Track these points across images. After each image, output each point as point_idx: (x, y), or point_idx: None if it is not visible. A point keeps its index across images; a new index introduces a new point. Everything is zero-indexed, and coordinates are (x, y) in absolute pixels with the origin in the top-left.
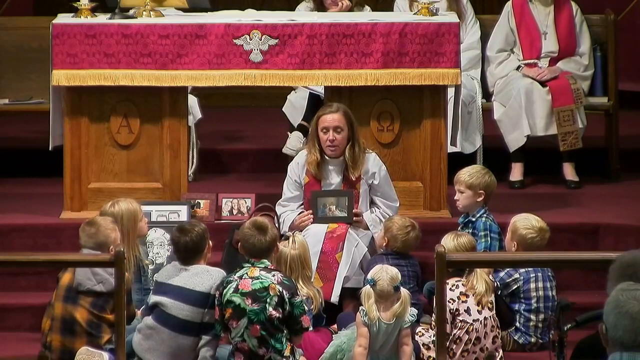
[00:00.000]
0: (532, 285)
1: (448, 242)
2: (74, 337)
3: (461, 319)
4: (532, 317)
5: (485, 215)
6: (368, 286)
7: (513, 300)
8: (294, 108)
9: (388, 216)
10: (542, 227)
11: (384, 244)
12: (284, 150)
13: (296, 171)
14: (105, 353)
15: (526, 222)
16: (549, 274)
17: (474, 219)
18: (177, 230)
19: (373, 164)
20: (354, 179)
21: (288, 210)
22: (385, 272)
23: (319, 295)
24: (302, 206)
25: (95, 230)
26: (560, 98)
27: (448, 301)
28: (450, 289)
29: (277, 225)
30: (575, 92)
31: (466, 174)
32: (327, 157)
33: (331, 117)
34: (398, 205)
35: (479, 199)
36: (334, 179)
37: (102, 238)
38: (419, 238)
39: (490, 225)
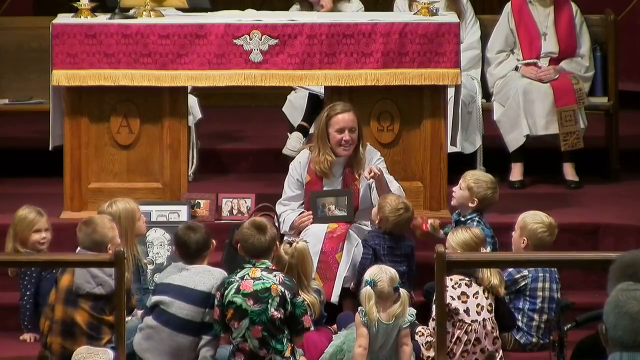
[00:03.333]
0: (540, 285)
1: (461, 234)
2: (74, 340)
3: (460, 318)
4: (536, 317)
5: (477, 219)
6: (368, 287)
7: (518, 297)
8: (294, 108)
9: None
10: (552, 222)
11: (376, 221)
12: (284, 151)
13: (298, 170)
14: (111, 351)
15: (536, 217)
16: (556, 276)
17: (463, 219)
18: (186, 228)
19: (368, 154)
20: (357, 175)
21: (289, 209)
22: (385, 273)
23: (317, 302)
24: (303, 205)
25: (92, 229)
26: (562, 98)
27: (447, 300)
28: (453, 287)
29: (276, 225)
30: (578, 92)
31: (473, 177)
32: (334, 158)
33: (344, 117)
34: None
35: (471, 204)
36: (336, 176)
37: (98, 237)
38: (411, 219)
39: (482, 229)
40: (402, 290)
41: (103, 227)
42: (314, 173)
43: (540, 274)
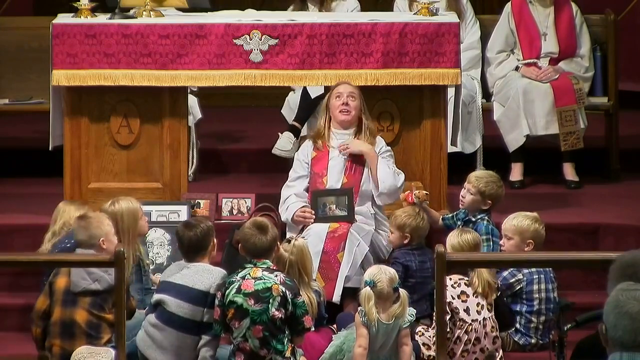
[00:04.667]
0: (535, 287)
1: (453, 237)
2: (73, 340)
3: (460, 317)
4: (533, 318)
5: (486, 218)
6: (368, 288)
7: (515, 301)
8: (291, 109)
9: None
10: (536, 216)
11: (405, 241)
12: (274, 150)
13: (304, 152)
14: (112, 350)
15: (528, 218)
16: (551, 275)
17: (473, 219)
18: (183, 225)
19: (379, 144)
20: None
21: (294, 194)
22: (384, 273)
23: (317, 297)
24: (309, 187)
25: (87, 222)
26: (562, 98)
27: (448, 299)
28: (452, 286)
29: (277, 220)
30: (578, 92)
31: (482, 180)
32: (335, 130)
33: (345, 86)
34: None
35: (484, 207)
36: (340, 152)
37: (93, 231)
38: (428, 224)
39: (492, 229)
40: (402, 290)
41: (98, 221)
42: (319, 148)
43: (535, 276)
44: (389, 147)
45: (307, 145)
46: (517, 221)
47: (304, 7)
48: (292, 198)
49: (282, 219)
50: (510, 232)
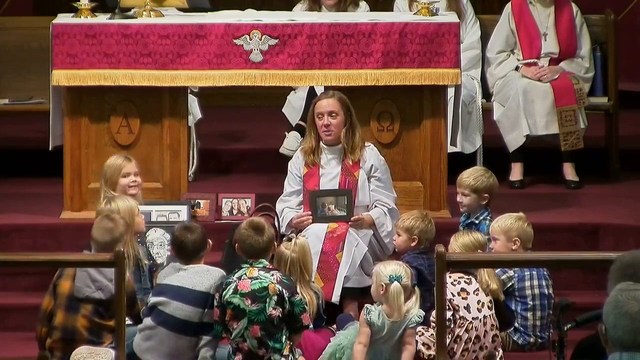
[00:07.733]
0: (527, 284)
1: (460, 236)
2: (74, 345)
3: (461, 315)
4: (529, 315)
5: (489, 218)
6: (396, 283)
7: (509, 299)
8: (293, 108)
9: (388, 206)
10: (520, 215)
11: (413, 243)
12: (281, 150)
13: (296, 164)
14: (111, 350)
15: (511, 217)
16: (544, 272)
17: (477, 221)
18: (183, 228)
19: (371, 156)
20: (351, 163)
21: (287, 207)
22: (404, 269)
23: (316, 299)
24: (302, 202)
25: (115, 225)
26: (563, 98)
27: (448, 297)
28: (452, 284)
29: (276, 223)
30: (578, 92)
31: (470, 177)
32: (324, 145)
33: (326, 102)
34: (395, 195)
35: (483, 202)
36: (334, 168)
37: (117, 235)
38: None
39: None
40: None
41: (122, 226)
42: (310, 163)
43: (526, 273)
44: (383, 160)
45: (299, 158)
46: (501, 222)
47: (315, 8)
48: (286, 210)
49: (281, 230)
50: (496, 233)
